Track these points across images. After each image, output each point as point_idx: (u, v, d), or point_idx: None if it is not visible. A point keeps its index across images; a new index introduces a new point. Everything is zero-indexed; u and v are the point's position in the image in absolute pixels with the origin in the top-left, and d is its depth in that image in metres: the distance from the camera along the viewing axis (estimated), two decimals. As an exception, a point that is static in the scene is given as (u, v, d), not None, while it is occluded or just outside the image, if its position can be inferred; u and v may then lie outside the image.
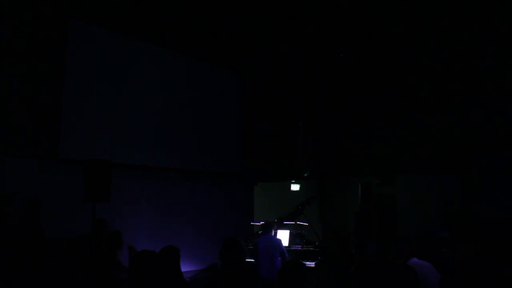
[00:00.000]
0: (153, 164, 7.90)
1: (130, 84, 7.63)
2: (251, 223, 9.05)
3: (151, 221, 7.73)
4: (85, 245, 4.68)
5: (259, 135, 9.88)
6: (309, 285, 2.88)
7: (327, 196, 10.20)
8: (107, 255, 4.87)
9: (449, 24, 7.93)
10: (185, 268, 4.25)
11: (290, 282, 2.83)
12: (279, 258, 5.99)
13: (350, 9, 8.18)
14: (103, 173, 5.06)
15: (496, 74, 7.53)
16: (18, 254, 4.52)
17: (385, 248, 3.78)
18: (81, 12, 6.99)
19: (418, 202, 8.87)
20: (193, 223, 8.40)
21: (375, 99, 8.99)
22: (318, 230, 7.74)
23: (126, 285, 3.72)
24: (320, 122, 9.85)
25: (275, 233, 6.60)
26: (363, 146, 9.25)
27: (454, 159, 7.94)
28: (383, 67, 8.84)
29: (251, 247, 6.85)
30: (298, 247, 7.12)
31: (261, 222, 6.80)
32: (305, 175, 9.65)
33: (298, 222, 7.66)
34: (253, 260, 6.40)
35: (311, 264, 6.74)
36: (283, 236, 7.08)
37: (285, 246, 6.53)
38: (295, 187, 10.46)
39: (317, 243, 7.26)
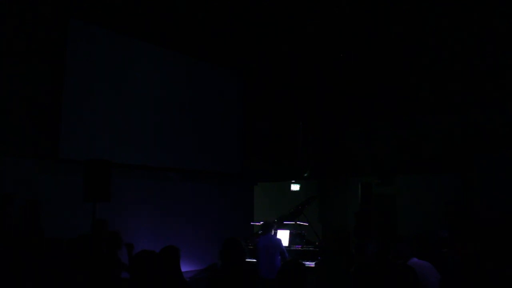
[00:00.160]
0: (153, 164, 7.90)
1: (130, 84, 7.63)
2: (251, 223, 9.05)
3: (151, 221, 7.73)
4: (85, 245, 4.68)
5: (259, 135, 9.88)
6: (309, 285, 2.88)
7: (327, 196, 10.20)
8: (107, 255, 4.87)
9: (449, 24, 7.92)
10: (185, 268, 4.25)
11: (289, 282, 2.83)
12: (279, 258, 5.99)
13: (350, 9, 8.18)
14: (103, 173, 5.06)
15: (496, 74, 7.52)
16: (18, 254, 4.51)
17: (385, 248, 3.79)
18: (81, 12, 6.99)
19: (418, 202, 8.87)
20: (193, 223, 8.40)
21: (375, 99, 8.99)
22: (318, 230, 7.74)
23: (126, 285, 3.72)
24: (320, 122, 9.85)
25: (275, 233, 6.61)
26: (363, 146, 9.25)
27: (454, 159, 7.94)
28: (383, 67, 8.84)
29: (251, 247, 6.85)
30: (298, 247, 7.12)
31: (261, 222, 6.80)
32: (305, 175, 9.65)
33: (298, 222, 7.66)
34: (253, 260, 6.40)
35: (311, 264, 6.74)
36: (283, 236, 7.08)
37: (285, 246, 6.54)
38: (295, 187, 10.46)
39: (317, 243, 7.26)
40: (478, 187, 7.63)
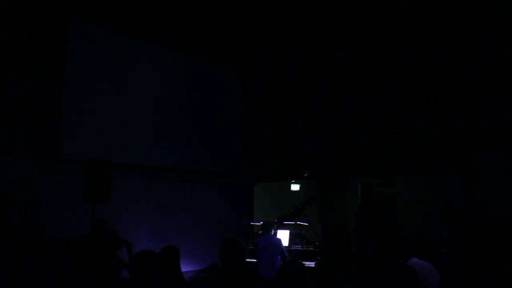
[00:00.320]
0: (153, 164, 7.90)
1: (130, 84, 7.63)
2: (251, 223, 9.05)
3: (151, 221, 7.73)
4: (85, 245, 4.68)
5: (259, 135, 9.88)
6: (309, 285, 2.88)
7: (327, 196, 10.19)
8: (107, 255, 4.87)
9: (449, 24, 7.92)
10: (185, 268, 4.25)
11: (289, 282, 2.83)
12: (279, 258, 5.99)
13: (350, 9, 8.18)
14: (103, 173, 5.06)
15: (496, 74, 7.52)
16: (18, 254, 4.51)
17: (385, 248, 3.79)
18: (81, 12, 6.99)
19: (418, 202, 8.86)
20: (193, 223, 8.40)
21: (375, 99, 8.98)
22: (318, 230, 7.74)
23: (126, 285, 3.72)
24: (320, 122, 9.84)
25: (275, 233, 6.61)
26: (363, 146, 9.24)
27: (454, 159, 7.93)
28: (383, 67, 8.84)
29: (251, 247, 6.85)
30: (298, 247, 7.12)
31: (261, 222, 6.80)
32: (305, 175, 9.64)
33: (298, 222, 7.66)
34: (253, 260, 6.40)
35: (311, 264, 6.74)
36: (283, 236, 7.08)
37: (285, 246, 6.54)
38: (295, 187, 10.46)
39: (317, 243, 7.26)
40: (478, 187, 7.63)
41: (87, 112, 6.99)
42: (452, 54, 8.00)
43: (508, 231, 6.14)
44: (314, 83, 9.65)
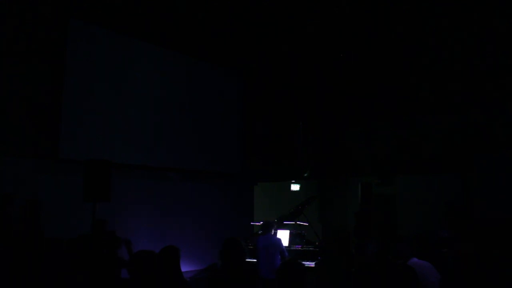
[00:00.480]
0: (153, 164, 7.91)
1: (130, 84, 7.64)
2: (251, 223, 9.05)
3: (151, 221, 7.73)
4: (85, 245, 4.69)
5: (259, 135, 9.88)
6: (309, 285, 2.88)
7: (327, 196, 10.19)
8: (107, 255, 4.87)
9: (449, 24, 7.92)
10: (185, 268, 4.25)
11: (288, 282, 2.83)
12: (279, 258, 5.99)
13: (350, 9, 8.18)
14: (103, 173, 5.06)
15: (496, 74, 7.52)
16: (18, 254, 4.51)
17: (385, 248, 3.78)
18: (81, 12, 6.99)
19: (418, 202, 8.86)
20: (193, 223, 8.41)
21: (375, 99, 8.98)
22: (318, 230, 7.74)
23: (126, 285, 3.72)
24: (320, 122, 9.84)
25: (275, 233, 6.61)
26: (363, 146, 9.24)
27: (454, 159, 7.93)
28: (383, 67, 8.84)
29: (251, 247, 6.85)
30: (298, 247, 7.12)
31: (261, 222, 6.80)
32: (305, 175, 9.64)
33: (298, 222, 7.66)
34: (253, 260, 6.40)
35: (311, 264, 6.74)
36: (283, 236, 7.08)
37: (285, 246, 6.53)
38: (295, 187, 10.46)
39: (317, 243, 7.26)
40: (478, 187, 7.63)
41: (87, 112, 7.00)
42: (452, 54, 8.00)
43: (508, 231, 6.14)
44: (314, 83, 9.65)
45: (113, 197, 5.21)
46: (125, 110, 7.52)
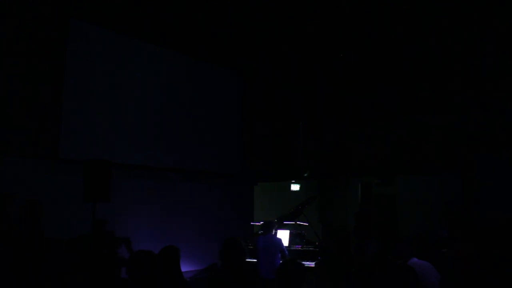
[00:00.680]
0: (153, 164, 7.90)
1: (130, 84, 7.63)
2: (251, 223, 9.05)
3: (151, 221, 7.73)
4: (85, 245, 4.69)
5: (259, 135, 9.87)
6: (309, 285, 2.88)
7: (327, 196, 10.19)
8: (107, 255, 4.87)
9: (449, 24, 7.92)
10: (185, 268, 4.25)
11: (288, 282, 2.83)
12: (280, 257, 5.99)
13: (350, 9, 8.18)
14: (103, 173, 5.06)
15: (496, 74, 7.52)
16: (18, 254, 4.51)
17: (385, 248, 3.78)
18: (81, 12, 6.99)
19: (418, 202, 8.86)
20: (193, 223, 8.40)
21: (375, 99, 8.98)
22: (318, 230, 7.74)
23: (126, 285, 3.72)
24: (320, 122, 9.84)
25: (275, 233, 6.61)
26: (363, 146, 9.24)
27: (454, 159, 7.93)
28: (383, 67, 8.84)
29: (251, 247, 6.85)
30: (298, 247, 7.12)
31: (261, 222, 6.80)
32: (305, 175, 9.64)
33: (298, 222, 7.66)
34: (253, 260, 6.40)
35: (311, 264, 6.74)
36: (283, 236, 7.08)
37: (285, 246, 6.53)
38: (295, 187, 10.46)
39: (317, 243, 7.26)
40: (478, 187, 7.63)
41: (87, 112, 6.99)
42: (452, 54, 8.00)
43: (508, 231, 6.14)
44: (314, 83, 9.65)
45: (113, 197, 5.21)
46: (125, 110, 7.52)
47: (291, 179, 10.33)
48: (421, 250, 4.45)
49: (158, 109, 8.02)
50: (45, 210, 5.49)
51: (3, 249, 4.56)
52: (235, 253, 3.48)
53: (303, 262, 5.82)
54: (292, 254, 6.63)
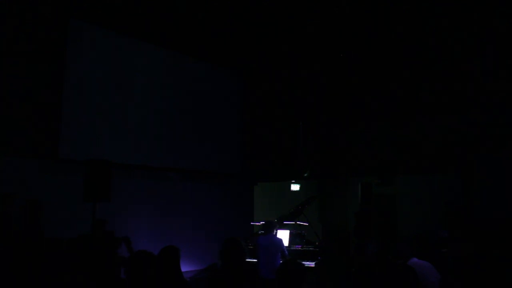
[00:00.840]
0: (153, 164, 7.91)
1: (130, 84, 7.63)
2: (251, 223, 9.05)
3: (151, 221, 7.73)
4: (85, 245, 4.69)
5: (259, 135, 9.87)
6: (309, 285, 2.88)
7: (327, 196, 10.19)
8: (107, 255, 4.87)
9: (449, 24, 7.92)
10: (185, 268, 4.25)
11: (288, 282, 2.83)
12: (280, 258, 5.98)
13: (350, 9, 8.18)
14: (103, 173, 5.06)
15: (496, 74, 7.52)
16: (18, 254, 4.52)
17: (385, 248, 3.78)
18: (81, 12, 6.99)
19: (418, 202, 8.87)
20: (193, 223, 8.41)
21: (375, 99, 8.98)
22: (318, 230, 7.74)
23: (126, 285, 3.72)
24: (320, 122, 9.84)
25: (276, 233, 6.60)
26: (363, 146, 9.24)
27: (454, 159, 7.93)
28: (383, 67, 8.84)
29: (251, 247, 6.85)
30: (298, 247, 7.12)
31: (261, 222, 6.80)
32: (305, 175, 9.64)
33: (298, 222, 7.66)
34: (253, 260, 6.40)
35: (311, 264, 6.73)
36: (283, 236, 7.08)
37: (285, 246, 6.53)
38: (295, 187, 10.46)
39: (317, 243, 7.26)
40: (478, 187, 7.63)
41: (87, 112, 6.99)
42: (452, 54, 8.00)
43: (508, 231, 6.14)
44: (314, 83, 9.65)
45: (113, 197, 5.22)
46: (125, 110, 7.52)
47: (291, 179, 10.33)
48: (421, 250, 4.45)
49: (158, 109, 8.02)
50: (45, 210, 5.50)
51: (3, 249, 4.56)
52: (235, 253, 3.48)
53: (303, 262, 5.82)
54: (292, 254, 6.63)
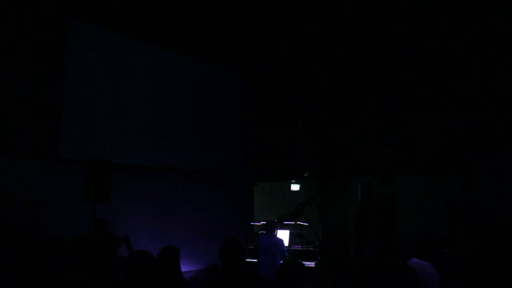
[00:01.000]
0: (153, 164, 7.91)
1: (130, 84, 7.63)
2: (251, 223, 9.05)
3: (151, 221, 7.73)
4: (85, 245, 4.69)
5: (259, 135, 9.88)
6: (309, 285, 2.88)
7: (327, 196, 10.19)
8: (107, 255, 4.87)
9: (449, 24, 7.92)
10: (185, 268, 4.25)
11: (288, 282, 2.82)
12: (280, 258, 5.98)
13: (350, 9, 8.18)
14: (103, 173, 5.06)
15: (496, 74, 7.52)
16: (18, 254, 4.51)
17: (385, 248, 3.79)
18: (81, 12, 6.99)
19: (418, 202, 8.87)
20: (193, 223, 8.41)
21: (375, 99, 8.98)
22: (318, 230, 7.74)
23: (126, 285, 3.72)
24: (320, 122, 9.84)
25: (276, 233, 6.60)
26: (363, 146, 9.25)
27: (454, 159, 7.93)
28: (383, 67, 8.84)
29: (251, 247, 6.85)
30: (298, 247, 7.12)
31: (261, 222, 6.79)
32: (305, 175, 9.65)
33: (298, 222, 7.66)
34: (253, 260, 6.40)
35: (311, 264, 6.73)
36: (283, 236, 7.08)
37: (285, 246, 6.53)
38: (295, 187, 10.46)
39: (317, 243, 7.26)
40: (478, 187, 7.64)
41: (87, 112, 6.99)
42: (452, 54, 8.00)
43: (508, 231, 6.14)
44: (314, 83, 9.65)
45: (113, 197, 5.22)
46: (125, 110, 7.52)
47: (291, 179, 10.33)
48: (421, 250, 4.45)
49: (158, 109, 8.02)
50: (45, 210, 5.50)
51: (3, 249, 4.56)
52: (235, 253, 3.47)
53: (303, 262, 5.82)
54: (292, 254, 6.63)
